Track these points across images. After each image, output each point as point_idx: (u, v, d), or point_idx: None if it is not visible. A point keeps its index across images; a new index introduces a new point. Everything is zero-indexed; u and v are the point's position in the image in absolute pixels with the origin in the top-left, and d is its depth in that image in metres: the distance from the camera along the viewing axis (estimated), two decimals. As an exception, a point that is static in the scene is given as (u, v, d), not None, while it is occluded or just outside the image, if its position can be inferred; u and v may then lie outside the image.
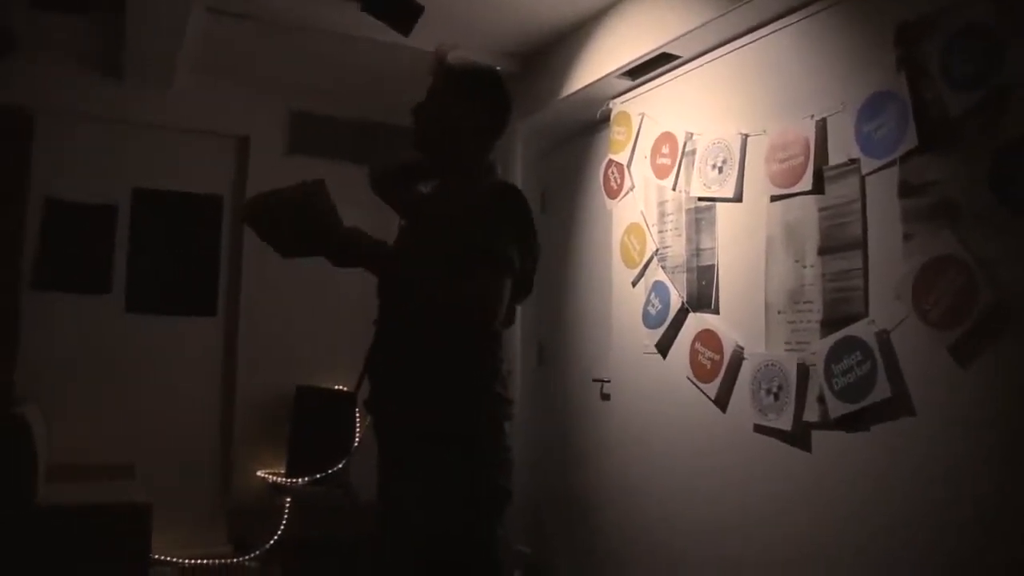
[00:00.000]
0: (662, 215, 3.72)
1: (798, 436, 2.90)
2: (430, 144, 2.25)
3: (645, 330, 3.73)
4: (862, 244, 2.71)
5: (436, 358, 2.04)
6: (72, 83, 4.73)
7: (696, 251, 3.49)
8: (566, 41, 4.26)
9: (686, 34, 3.40)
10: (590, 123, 4.43)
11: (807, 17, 3.02)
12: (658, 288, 3.67)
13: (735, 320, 3.26)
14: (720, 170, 3.33)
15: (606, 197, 4.12)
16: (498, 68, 3.96)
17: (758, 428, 3.08)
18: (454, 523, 1.99)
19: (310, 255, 2.01)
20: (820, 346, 2.80)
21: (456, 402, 2.04)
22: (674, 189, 3.61)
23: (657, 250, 3.72)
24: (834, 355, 2.73)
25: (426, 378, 2.04)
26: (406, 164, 2.38)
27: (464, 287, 1.97)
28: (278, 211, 1.98)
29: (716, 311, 3.36)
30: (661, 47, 3.56)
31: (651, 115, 3.81)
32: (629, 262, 3.92)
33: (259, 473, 4.99)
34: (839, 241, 2.80)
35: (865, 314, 2.67)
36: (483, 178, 2.22)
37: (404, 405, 2.08)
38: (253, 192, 4.94)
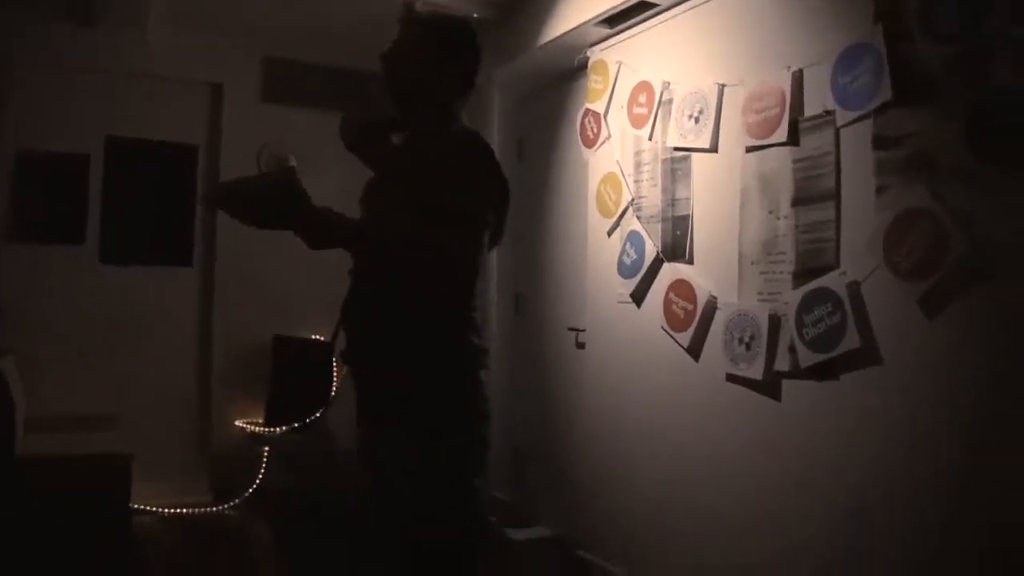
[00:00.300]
0: (638, 165, 3.72)
1: (769, 385, 2.94)
2: (400, 95, 2.23)
3: (620, 279, 3.76)
4: (835, 196, 2.73)
5: (410, 310, 2.06)
6: (44, 31, 4.65)
7: (671, 201, 3.50)
8: (543, -12, 4.21)
9: (664, -18, 3.38)
10: (567, 71, 4.40)
11: (785, -34, 3.00)
12: (633, 238, 3.68)
13: (709, 270, 3.29)
14: (696, 120, 3.32)
15: (583, 146, 4.11)
16: (473, 16, 3.93)
17: (730, 377, 3.12)
18: (436, 478, 2.03)
19: (284, 230, 2.03)
20: (792, 297, 2.83)
21: (431, 354, 2.06)
22: (650, 139, 3.61)
23: (633, 200, 3.73)
24: (805, 306, 2.76)
25: (401, 330, 2.06)
26: (378, 118, 2.37)
27: (440, 247, 1.99)
28: (251, 197, 1.99)
29: (690, 261, 3.38)
30: (639, -5, 3.53)
31: (628, 64, 3.78)
32: (605, 212, 3.92)
33: (238, 422, 5.02)
34: (813, 193, 2.81)
35: (836, 265, 2.70)
36: (450, 128, 2.21)
37: (380, 359, 2.10)
38: (228, 139, 4.88)
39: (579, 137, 4.14)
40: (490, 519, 2.13)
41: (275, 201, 1.95)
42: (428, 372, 2.06)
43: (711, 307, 3.24)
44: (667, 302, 3.45)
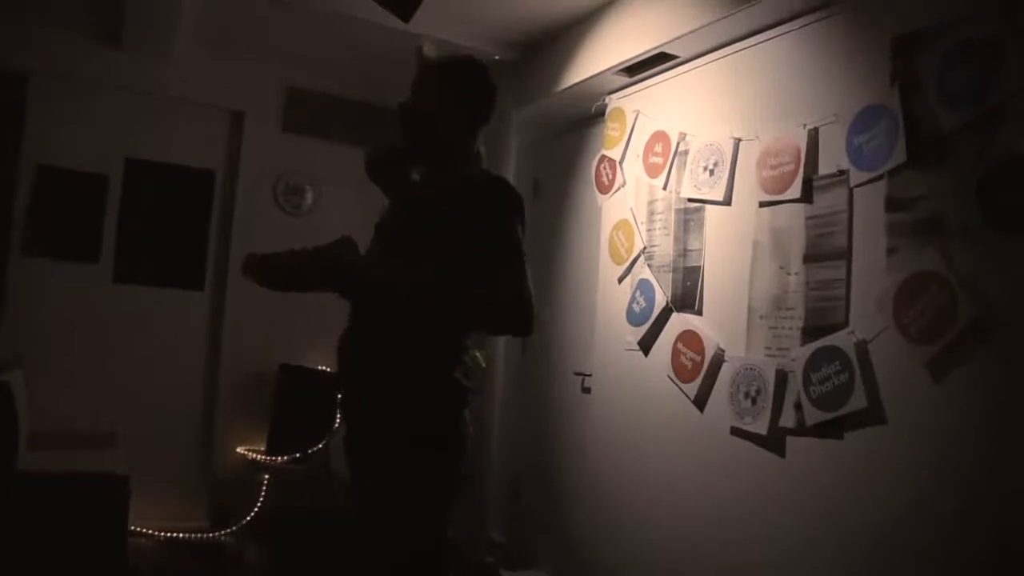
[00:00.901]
0: (651, 214, 3.74)
1: (773, 441, 2.93)
2: (420, 137, 2.29)
3: (629, 327, 3.76)
4: (847, 255, 2.74)
5: (404, 343, 2.11)
6: (69, 49, 4.72)
7: (683, 251, 3.51)
8: (566, 34, 4.27)
9: (685, 35, 3.41)
10: (585, 117, 4.44)
11: (805, 25, 3.03)
12: (644, 286, 3.69)
13: (718, 322, 3.29)
14: (711, 172, 3.35)
15: (597, 192, 4.13)
16: (495, 58, 3.99)
17: (735, 431, 3.11)
18: (415, 509, 2.08)
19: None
20: (800, 353, 2.83)
21: (417, 392, 2.12)
22: (665, 188, 3.63)
23: (645, 248, 3.74)
24: (813, 363, 2.76)
25: (391, 368, 2.12)
26: (399, 149, 2.42)
27: (505, 288, 2.06)
28: (307, 269, 2.08)
29: (700, 312, 3.39)
30: (659, 46, 3.56)
31: (646, 113, 3.82)
32: (617, 258, 3.94)
33: (239, 449, 5.01)
34: (824, 250, 2.82)
35: (846, 324, 2.70)
36: (471, 166, 2.29)
37: (369, 388, 2.15)
38: (246, 167, 4.89)
39: (594, 183, 4.16)
40: (451, 548, 2.16)
41: (314, 274, 2.06)
42: (411, 403, 2.11)
43: (718, 359, 3.23)
44: (675, 352, 3.45)
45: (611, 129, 4.05)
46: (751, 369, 3.05)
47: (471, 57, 2.36)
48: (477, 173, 2.28)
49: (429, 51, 2.35)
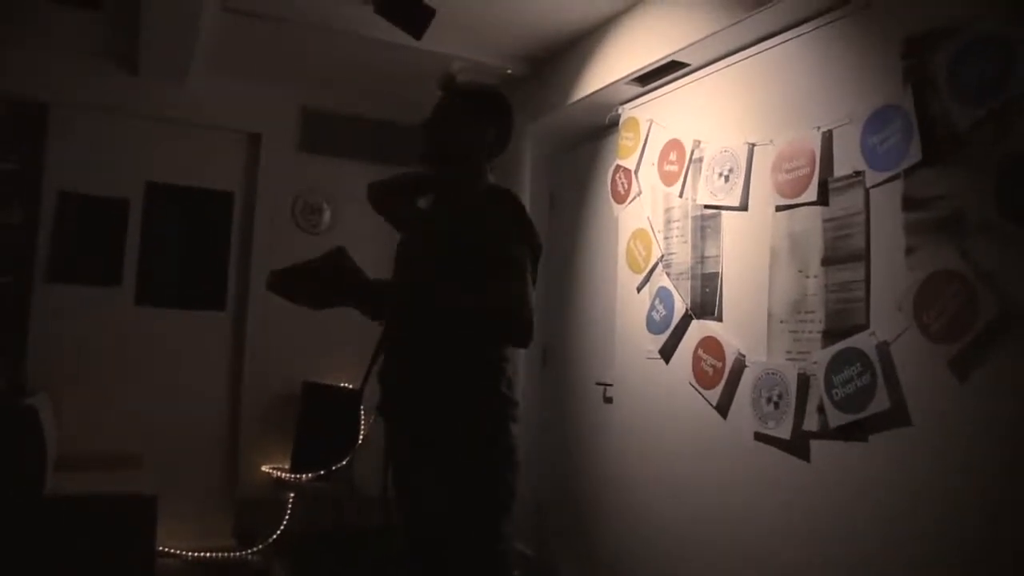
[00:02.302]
0: (668, 221, 3.74)
1: (797, 445, 2.92)
2: (441, 159, 2.34)
3: (649, 335, 3.76)
4: (865, 256, 2.73)
5: (445, 362, 2.12)
6: (86, 77, 4.79)
7: (701, 258, 3.51)
8: (577, 46, 4.29)
9: (696, 42, 3.42)
10: (599, 128, 4.46)
11: (816, 28, 3.04)
12: (662, 294, 3.69)
13: (738, 328, 3.29)
14: (726, 179, 3.35)
15: (613, 202, 4.14)
16: (508, 71, 4.02)
17: (758, 436, 3.10)
18: (468, 521, 2.09)
19: (342, 306, 2.17)
20: (821, 356, 2.82)
21: (465, 405, 2.13)
22: (680, 196, 3.63)
23: (662, 256, 3.74)
24: (834, 366, 2.75)
25: (436, 382, 2.12)
26: (405, 180, 2.47)
27: (501, 298, 2.07)
28: (307, 278, 2.13)
29: (719, 318, 3.38)
30: (671, 55, 3.58)
31: (659, 122, 3.83)
32: (634, 267, 3.94)
33: (264, 468, 5.03)
34: (842, 252, 2.82)
35: (866, 326, 2.69)
36: (482, 184, 2.33)
37: (416, 410, 2.15)
38: (264, 188, 4.97)
39: (610, 193, 4.17)
40: (512, 567, 2.16)
41: (329, 281, 2.09)
42: (461, 420, 2.12)
43: (740, 365, 3.23)
44: (696, 359, 3.45)
45: (625, 139, 4.06)
46: (773, 374, 3.04)
47: (497, 89, 2.43)
48: (483, 188, 2.32)
49: (459, 74, 2.41)
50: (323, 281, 2.09)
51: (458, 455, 2.10)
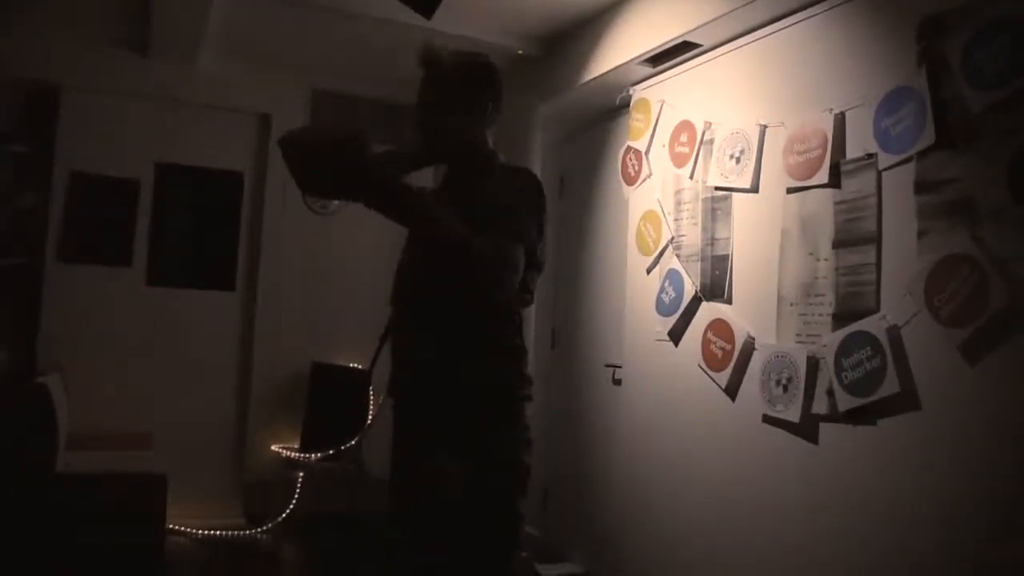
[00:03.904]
0: (678, 203, 3.73)
1: (806, 428, 2.92)
2: (439, 138, 2.27)
3: (658, 317, 3.75)
4: (876, 239, 2.72)
5: (463, 339, 2.09)
6: (97, 58, 4.80)
7: (711, 240, 3.50)
8: (588, 26, 4.26)
9: (708, 23, 3.40)
10: (610, 109, 4.44)
11: (830, 9, 3.01)
12: (672, 276, 3.68)
13: (747, 310, 3.28)
14: (738, 160, 3.33)
15: (624, 184, 4.13)
16: (518, 52, 3.97)
17: (767, 419, 3.10)
18: (485, 495, 2.06)
19: (337, 195, 2.03)
20: (831, 339, 2.81)
21: (482, 380, 2.10)
22: (691, 178, 3.62)
23: (673, 238, 3.73)
24: (844, 349, 2.74)
25: (453, 361, 2.09)
26: (399, 154, 2.40)
27: (491, 245, 1.99)
28: (319, 159, 1.93)
29: (729, 301, 3.38)
30: (683, 35, 3.56)
31: (671, 103, 3.81)
32: (644, 249, 3.93)
33: (273, 447, 5.06)
34: (854, 235, 2.80)
35: (877, 309, 2.68)
36: (491, 163, 2.25)
37: (433, 388, 2.13)
38: (274, 168, 4.93)
39: (620, 174, 4.16)
40: (521, 548, 2.15)
41: (343, 174, 1.90)
42: (478, 398, 2.09)
43: (749, 347, 3.22)
44: (705, 341, 3.44)
45: (636, 120, 4.04)
46: (782, 356, 3.03)
47: (481, 56, 2.31)
48: (510, 170, 2.26)
49: (441, 48, 2.27)
50: (337, 172, 1.89)
51: (476, 434, 2.08)
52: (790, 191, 3.08)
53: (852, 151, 2.84)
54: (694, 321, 3.54)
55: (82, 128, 4.77)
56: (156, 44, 4.64)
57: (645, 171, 3.95)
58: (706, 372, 3.42)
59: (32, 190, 4.65)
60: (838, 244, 2.86)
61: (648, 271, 3.89)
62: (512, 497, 2.12)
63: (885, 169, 2.70)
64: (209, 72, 5.02)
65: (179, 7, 4.08)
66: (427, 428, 2.18)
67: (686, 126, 3.67)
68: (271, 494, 4.96)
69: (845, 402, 2.73)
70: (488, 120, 2.27)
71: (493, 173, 2.21)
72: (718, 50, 3.58)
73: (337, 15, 4.26)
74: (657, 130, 3.87)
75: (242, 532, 4.86)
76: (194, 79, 5.00)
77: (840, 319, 2.82)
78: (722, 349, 3.34)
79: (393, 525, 2.25)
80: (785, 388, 3.00)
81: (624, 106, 4.21)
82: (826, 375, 2.83)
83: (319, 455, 4.87)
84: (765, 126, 3.22)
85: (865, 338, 2.68)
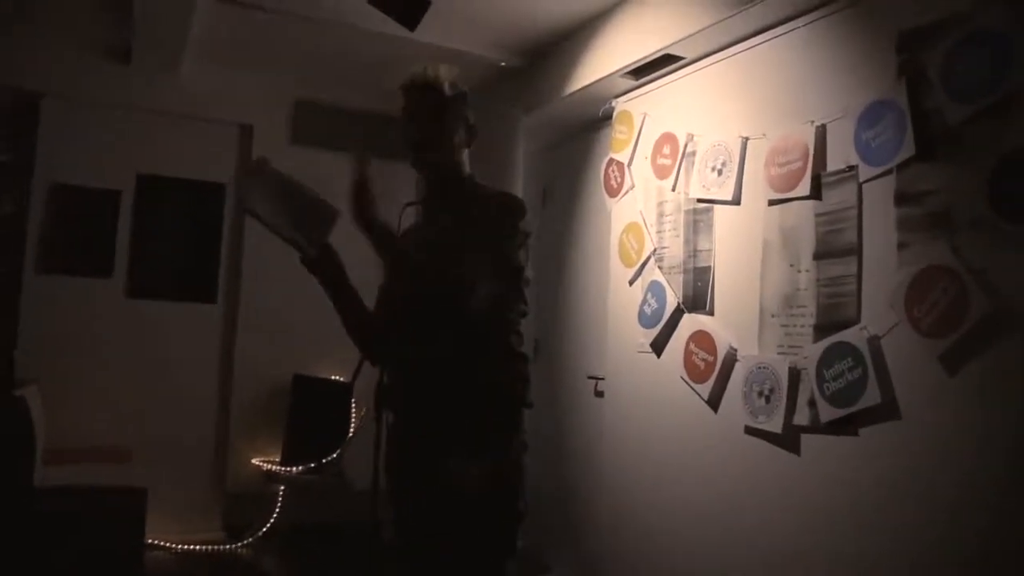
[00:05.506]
0: (661, 215, 3.74)
1: (788, 439, 2.92)
2: (431, 164, 2.31)
3: (640, 329, 3.75)
4: (857, 251, 2.73)
5: (459, 362, 2.22)
6: (78, 67, 4.78)
7: (693, 252, 3.51)
8: (571, 39, 4.27)
9: (690, 36, 3.41)
10: (592, 121, 4.45)
11: (811, 22, 3.03)
12: (654, 288, 3.69)
13: (729, 322, 3.28)
14: (720, 172, 3.35)
15: (606, 195, 4.13)
16: (501, 64, 3.98)
17: (749, 430, 3.10)
18: (493, 495, 2.24)
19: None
20: (812, 350, 2.82)
21: (482, 393, 2.24)
22: (673, 190, 3.63)
23: (655, 250, 3.74)
24: (826, 360, 2.75)
25: (449, 378, 2.19)
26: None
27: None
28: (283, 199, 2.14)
29: (711, 312, 3.38)
30: (665, 48, 3.57)
31: (653, 115, 3.82)
32: (627, 261, 3.94)
33: (254, 460, 5.02)
34: (835, 247, 2.82)
35: (857, 320, 2.69)
36: (471, 187, 2.31)
37: (426, 406, 2.16)
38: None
39: (603, 186, 4.16)
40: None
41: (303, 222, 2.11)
42: (483, 399, 2.23)
43: (731, 359, 3.23)
44: (687, 353, 3.44)
45: (619, 132, 4.05)
46: (764, 368, 3.04)
47: (455, 77, 2.37)
48: (496, 196, 2.30)
49: (424, 70, 2.34)
50: (296, 213, 2.04)
51: (476, 444, 2.19)
52: (772, 203, 3.09)
53: (833, 163, 2.86)
54: (676, 332, 3.54)
55: (63, 138, 4.73)
56: (138, 53, 4.62)
57: (627, 183, 3.96)
58: (688, 383, 3.43)
59: (11, 200, 4.61)
60: (819, 256, 2.88)
61: (630, 283, 3.90)
62: (515, 497, 2.29)
63: (866, 181, 2.71)
64: (191, 82, 4.99)
65: (161, 16, 4.06)
66: (434, 431, 2.20)
67: (668, 138, 3.68)
68: (252, 507, 4.92)
69: (827, 413, 2.74)
70: (468, 142, 2.33)
71: (475, 198, 2.26)
72: (700, 63, 3.60)
73: (320, 26, 4.25)
74: (639, 142, 3.88)
75: (222, 546, 4.82)
76: (176, 89, 4.97)
77: (821, 330, 2.83)
78: (704, 360, 3.35)
79: (388, 531, 2.27)
80: (767, 399, 3.00)
81: (607, 118, 4.23)
82: (808, 386, 2.84)
83: (300, 468, 4.84)
84: (747, 138, 3.24)
85: (846, 349, 2.69)
